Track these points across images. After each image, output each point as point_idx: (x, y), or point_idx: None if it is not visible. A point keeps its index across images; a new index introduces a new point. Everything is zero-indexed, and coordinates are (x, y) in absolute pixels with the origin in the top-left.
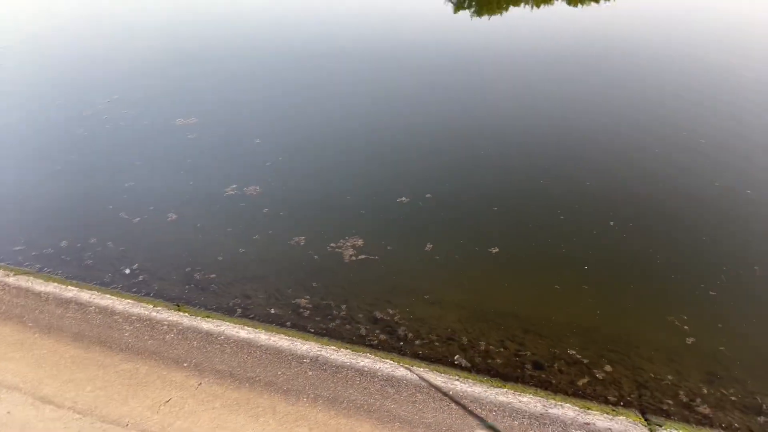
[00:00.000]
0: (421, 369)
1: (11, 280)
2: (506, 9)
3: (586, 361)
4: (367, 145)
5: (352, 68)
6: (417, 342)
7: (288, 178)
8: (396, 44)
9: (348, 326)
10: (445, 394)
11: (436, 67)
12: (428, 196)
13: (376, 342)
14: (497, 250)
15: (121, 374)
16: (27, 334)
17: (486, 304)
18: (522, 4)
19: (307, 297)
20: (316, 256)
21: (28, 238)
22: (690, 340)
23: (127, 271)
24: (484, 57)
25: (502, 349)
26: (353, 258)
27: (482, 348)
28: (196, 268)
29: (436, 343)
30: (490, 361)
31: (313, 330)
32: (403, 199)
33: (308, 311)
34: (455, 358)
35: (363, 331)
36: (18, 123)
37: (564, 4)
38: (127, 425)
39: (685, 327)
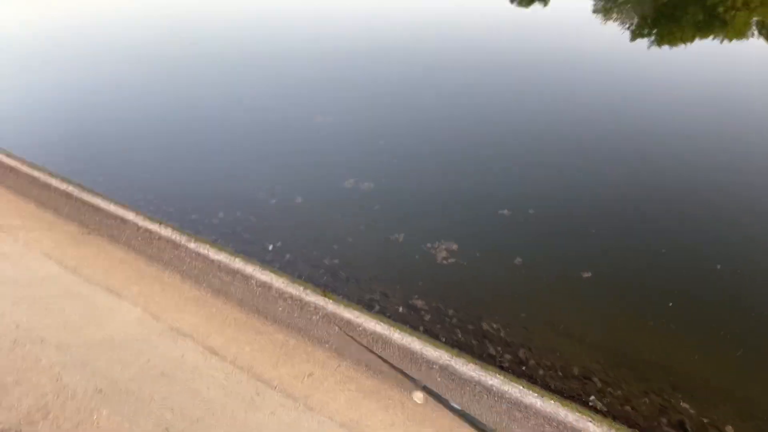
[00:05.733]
0: (552, 401)
1: (192, 245)
2: (691, 40)
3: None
4: (486, 158)
5: (482, 85)
6: (541, 372)
7: (400, 178)
8: (530, 55)
9: (474, 342)
10: None
11: (568, 88)
12: (531, 211)
13: (506, 365)
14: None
15: (274, 342)
16: (201, 293)
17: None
18: (711, 37)
19: (416, 296)
20: (416, 256)
21: (197, 207)
22: None
23: (270, 247)
24: (636, 84)
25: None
26: (444, 261)
27: (620, 394)
28: (322, 252)
29: (560, 373)
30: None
31: (444, 339)
32: (505, 211)
33: (428, 315)
34: (590, 398)
35: (492, 351)
36: (185, 110)
37: (762, 40)
38: (276, 387)
39: None
